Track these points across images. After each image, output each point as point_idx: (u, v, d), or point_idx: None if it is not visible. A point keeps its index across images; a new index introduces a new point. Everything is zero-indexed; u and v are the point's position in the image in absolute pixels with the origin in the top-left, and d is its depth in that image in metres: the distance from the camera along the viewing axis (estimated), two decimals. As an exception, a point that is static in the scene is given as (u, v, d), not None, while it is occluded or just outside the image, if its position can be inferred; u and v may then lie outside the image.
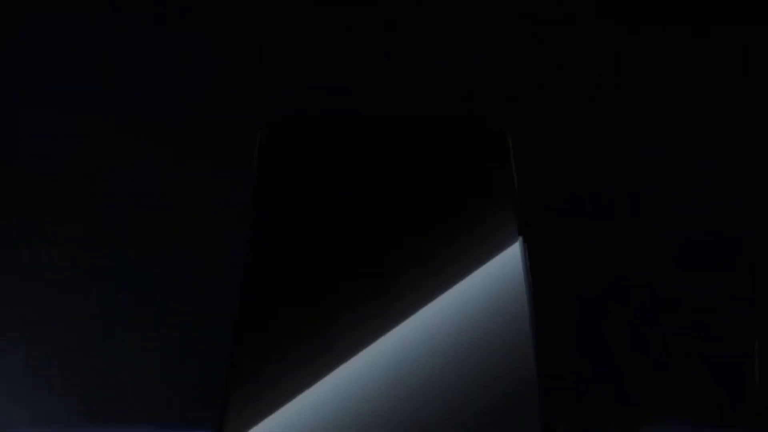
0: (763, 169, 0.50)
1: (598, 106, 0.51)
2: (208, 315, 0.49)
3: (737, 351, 0.49)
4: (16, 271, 0.50)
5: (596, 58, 0.52)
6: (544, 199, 0.49)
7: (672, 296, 0.49)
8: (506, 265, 0.41)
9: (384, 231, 0.42)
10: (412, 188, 0.43)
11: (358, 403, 0.38)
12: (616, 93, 0.51)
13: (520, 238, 0.41)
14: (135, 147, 0.51)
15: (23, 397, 0.49)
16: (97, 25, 0.52)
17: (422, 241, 0.41)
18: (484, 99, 0.51)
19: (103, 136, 0.51)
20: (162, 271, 0.50)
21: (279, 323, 0.40)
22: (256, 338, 0.39)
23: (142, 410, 0.48)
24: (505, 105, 0.51)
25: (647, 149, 0.51)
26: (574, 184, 0.50)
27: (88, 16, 0.52)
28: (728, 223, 0.50)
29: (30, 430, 0.48)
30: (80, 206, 0.51)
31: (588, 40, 0.52)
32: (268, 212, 0.42)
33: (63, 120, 0.51)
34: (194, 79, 0.52)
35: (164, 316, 0.49)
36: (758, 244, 0.50)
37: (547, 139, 0.50)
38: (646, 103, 0.51)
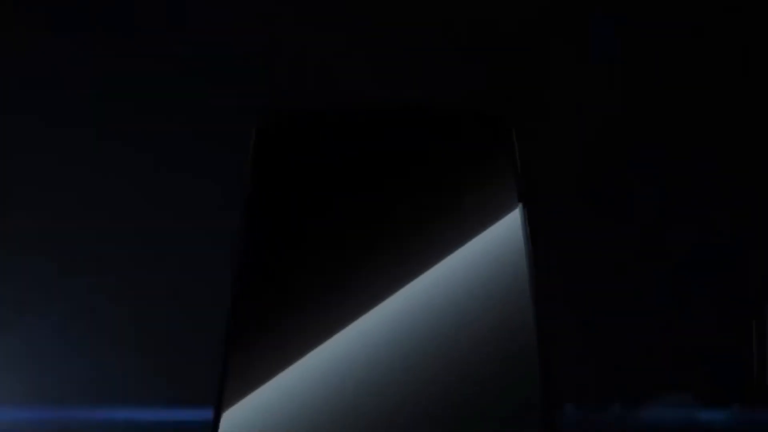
0: (763, 169, 0.51)
1: (598, 106, 0.51)
2: (207, 310, 0.49)
3: (737, 351, 0.49)
4: (15, 268, 0.50)
5: (597, 58, 0.52)
6: (544, 199, 0.49)
7: (672, 296, 0.49)
8: (506, 231, 0.41)
9: (380, 212, 0.42)
10: (410, 176, 0.43)
11: (359, 368, 0.38)
12: (617, 93, 0.51)
13: (520, 204, 0.41)
14: (134, 146, 0.51)
15: (24, 378, 0.49)
16: (97, 25, 0.52)
17: (420, 217, 0.41)
18: (484, 99, 0.51)
19: (102, 134, 0.51)
20: (161, 269, 0.50)
21: (277, 295, 0.40)
22: (253, 323, 0.39)
23: (140, 392, 0.49)
24: (505, 105, 0.51)
25: (647, 149, 0.51)
26: (574, 184, 0.50)
27: (88, 15, 0.52)
28: (728, 223, 0.50)
29: (30, 410, 0.48)
30: (79, 205, 0.51)
31: (588, 40, 0.52)
32: (264, 204, 0.42)
33: (63, 117, 0.51)
34: (194, 77, 0.52)
35: (162, 311, 0.49)
36: (758, 244, 0.50)
37: (547, 139, 0.50)
38: (646, 103, 0.51)
